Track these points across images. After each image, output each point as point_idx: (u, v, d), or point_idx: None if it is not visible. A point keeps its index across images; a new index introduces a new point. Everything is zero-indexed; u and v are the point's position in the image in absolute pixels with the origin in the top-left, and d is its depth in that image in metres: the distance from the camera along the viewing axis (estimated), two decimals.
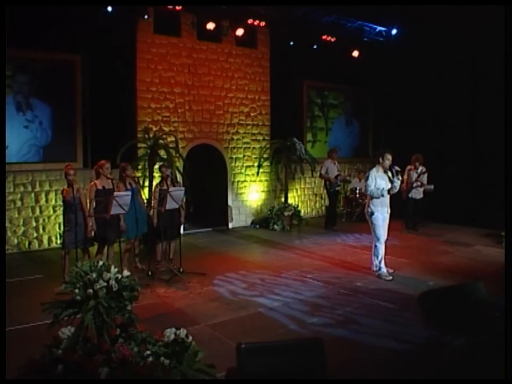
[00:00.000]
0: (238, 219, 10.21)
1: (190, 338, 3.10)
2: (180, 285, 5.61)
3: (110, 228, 5.74)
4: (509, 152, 5.58)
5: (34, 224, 7.56)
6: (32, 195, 7.52)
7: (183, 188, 5.87)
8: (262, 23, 9.71)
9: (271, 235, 9.15)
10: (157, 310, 4.73)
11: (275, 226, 9.68)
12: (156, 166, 8.53)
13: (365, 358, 3.64)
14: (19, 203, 7.44)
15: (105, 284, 2.97)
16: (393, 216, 9.69)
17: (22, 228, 7.48)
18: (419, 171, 8.71)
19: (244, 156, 10.25)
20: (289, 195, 10.98)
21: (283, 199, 10.37)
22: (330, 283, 5.65)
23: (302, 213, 11.17)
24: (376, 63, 11.45)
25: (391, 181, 5.87)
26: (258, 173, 10.26)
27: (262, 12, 9.54)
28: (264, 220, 10.05)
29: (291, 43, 10.25)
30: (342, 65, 11.01)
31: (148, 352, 2.95)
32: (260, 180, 10.52)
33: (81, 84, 7.91)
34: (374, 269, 5.98)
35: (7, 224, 7.29)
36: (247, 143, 10.29)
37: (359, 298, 5.08)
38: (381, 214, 5.93)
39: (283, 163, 10.12)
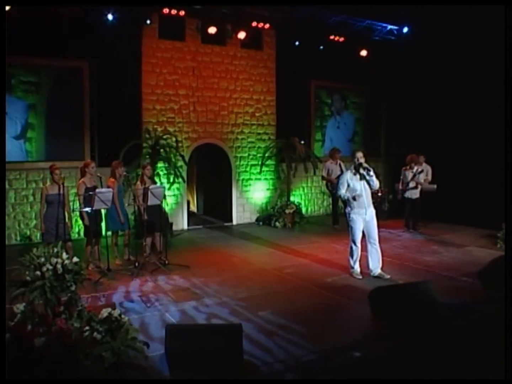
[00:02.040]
0: (242, 216, 10.54)
1: (126, 318, 3.46)
2: (161, 275, 6.01)
3: (100, 222, 6.23)
4: (510, 153, 5.57)
5: None
6: None
7: (162, 186, 6.27)
8: (267, 26, 9.96)
9: (270, 232, 9.41)
10: (130, 297, 5.16)
11: (277, 224, 9.94)
12: (160, 165, 9.09)
13: (294, 348, 3.86)
14: (31, 198, 8.12)
15: (51, 267, 3.40)
16: (395, 215, 9.82)
17: (34, 221, 8.15)
18: (414, 171, 8.69)
19: (249, 155, 10.56)
20: (296, 193, 11.21)
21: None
22: (302, 278, 5.86)
23: (308, 211, 11.41)
24: (387, 62, 11.41)
25: (367, 180, 5.78)
26: (260, 171, 10.54)
27: (267, 14, 9.79)
28: (267, 218, 10.33)
29: (297, 43, 10.40)
30: (352, 64, 11.02)
31: (87, 328, 3.35)
32: (266, 179, 10.80)
33: (88, 88, 8.51)
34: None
35: (20, 217, 8.00)
36: (252, 142, 10.59)
37: (323, 294, 5.27)
38: (359, 215, 5.78)
39: (286, 162, 10.35)
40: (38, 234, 8.20)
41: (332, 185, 9.69)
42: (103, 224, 6.46)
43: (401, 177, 8.89)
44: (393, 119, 12.32)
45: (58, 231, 5.62)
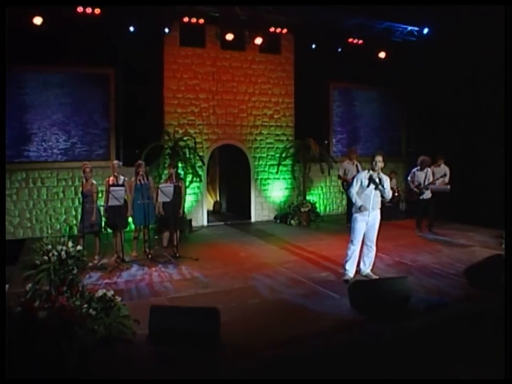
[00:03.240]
0: (261, 214, 10.96)
1: (119, 298, 3.99)
2: (171, 266, 6.56)
3: (119, 217, 6.87)
4: (510, 153, 5.69)
5: (73, 212, 9.00)
6: (72, 188, 8.97)
7: (172, 185, 6.80)
8: (284, 30, 10.30)
9: (285, 229, 9.79)
10: (136, 283, 5.73)
11: (292, 222, 10.30)
12: (180, 165, 9.67)
13: (271, 332, 4.25)
14: (61, 195, 8.93)
15: (57, 253, 4.00)
16: (409, 216, 9.90)
17: (64, 216, 8.97)
18: (425, 171, 8.79)
19: (267, 155, 10.97)
20: (314, 192, 11.52)
21: (306, 196, 10.94)
22: (297, 272, 6.22)
23: (326, 210, 11.67)
24: (407, 63, 11.47)
25: (379, 190, 5.74)
26: (277, 171, 10.92)
27: (283, 19, 10.14)
28: (284, 216, 10.70)
29: (313, 46, 10.63)
30: (371, 65, 11.16)
31: (85, 305, 3.90)
32: (284, 178, 11.17)
33: (114, 93, 9.24)
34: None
35: (52, 212, 8.82)
36: (271, 143, 10.99)
37: (312, 286, 5.62)
38: (362, 216, 5.78)
39: (301, 162, 10.69)
40: (68, 228, 9.05)
41: (348, 185, 9.94)
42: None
43: (409, 177, 9.01)
44: (413, 119, 12.33)
45: (84, 224, 6.34)
